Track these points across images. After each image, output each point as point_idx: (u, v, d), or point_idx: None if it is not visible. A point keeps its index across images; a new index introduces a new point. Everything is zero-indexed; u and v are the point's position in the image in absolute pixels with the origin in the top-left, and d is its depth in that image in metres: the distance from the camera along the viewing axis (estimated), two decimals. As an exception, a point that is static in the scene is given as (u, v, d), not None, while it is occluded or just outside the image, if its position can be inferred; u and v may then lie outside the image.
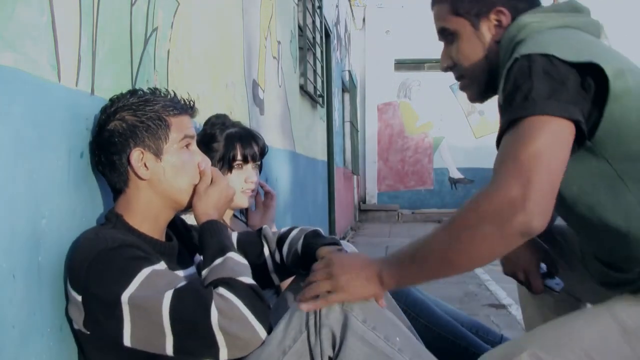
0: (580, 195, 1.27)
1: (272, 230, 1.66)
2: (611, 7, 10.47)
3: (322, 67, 6.32)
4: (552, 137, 1.13)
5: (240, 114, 2.88)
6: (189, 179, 1.40)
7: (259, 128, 3.20)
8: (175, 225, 1.52)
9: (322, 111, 6.43)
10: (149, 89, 1.44)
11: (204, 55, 2.40)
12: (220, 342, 1.20)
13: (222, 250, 1.33)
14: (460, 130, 12.52)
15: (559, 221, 1.59)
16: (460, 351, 1.99)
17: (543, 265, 1.60)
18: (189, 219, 1.63)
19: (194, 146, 1.43)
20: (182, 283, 1.24)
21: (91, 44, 1.42)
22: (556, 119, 1.14)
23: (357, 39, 12.29)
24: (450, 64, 1.47)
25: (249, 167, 1.96)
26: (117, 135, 1.34)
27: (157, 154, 1.35)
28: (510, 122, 1.19)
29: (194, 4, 2.27)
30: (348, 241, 5.11)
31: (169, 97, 1.41)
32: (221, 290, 1.23)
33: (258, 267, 1.55)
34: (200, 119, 2.10)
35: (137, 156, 1.34)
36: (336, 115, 7.88)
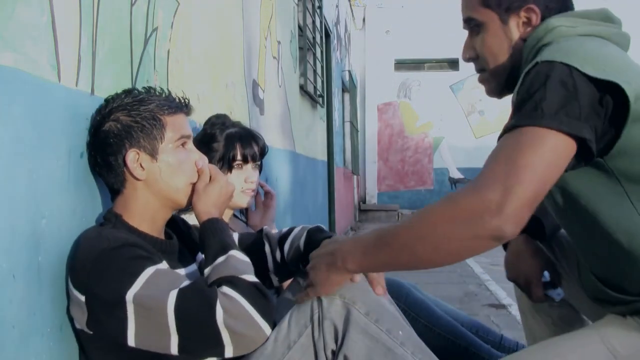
0: (587, 208, 1.25)
1: (272, 230, 1.65)
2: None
3: (322, 67, 6.32)
4: (549, 152, 1.11)
5: (240, 114, 2.88)
6: (186, 178, 1.40)
7: (259, 128, 3.20)
8: (175, 224, 1.53)
9: (322, 111, 6.43)
10: (143, 88, 1.44)
11: (204, 55, 2.40)
12: (225, 341, 1.21)
13: (224, 248, 1.33)
14: (460, 130, 12.52)
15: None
16: (460, 351, 1.99)
17: (546, 274, 1.59)
18: (190, 219, 1.63)
19: (190, 145, 1.42)
20: (187, 282, 1.24)
21: (91, 44, 1.42)
22: (559, 134, 1.11)
23: (357, 39, 12.30)
24: (472, 56, 1.43)
25: (249, 167, 1.96)
26: (112, 137, 1.34)
27: (153, 154, 1.35)
28: (517, 125, 1.17)
29: (194, 4, 2.27)
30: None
31: (163, 95, 1.41)
32: (225, 289, 1.23)
33: (258, 268, 1.55)
34: (200, 119, 2.11)
35: (133, 157, 1.34)
36: (336, 115, 7.89)
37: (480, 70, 1.44)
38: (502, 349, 2.15)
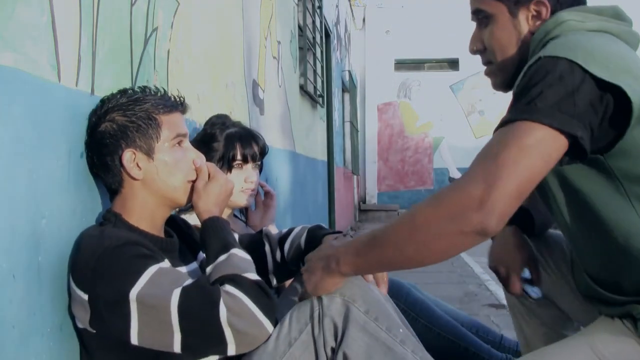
0: (585, 207, 1.24)
1: (273, 231, 1.65)
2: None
3: (322, 67, 6.33)
4: (538, 147, 1.10)
5: (240, 114, 2.88)
6: (183, 176, 1.40)
7: (259, 128, 3.20)
8: (175, 223, 1.53)
9: (322, 111, 6.43)
10: (139, 87, 1.44)
11: (204, 55, 2.40)
12: (228, 339, 1.22)
13: (226, 246, 1.34)
14: (460, 130, 12.52)
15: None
16: (460, 351, 1.99)
17: (527, 271, 1.58)
18: (191, 219, 1.63)
19: (186, 143, 1.43)
20: (190, 281, 1.25)
21: (91, 44, 1.42)
22: (550, 130, 1.10)
23: (357, 39, 12.30)
24: (480, 48, 1.41)
25: (249, 167, 1.96)
26: (108, 137, 1.34)
27: (149, 153, 1.36)
28: (508, 120, 1.16)
29: (194, 4, 2.27)
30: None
31: (159, 95, 1.41)
32: (228, 287, 1.24)
33: (257, 268, 1.55)
34: (200, 119, 2.11)
35: (129, 157, 1.34)
36: (336, 115, 7.89)
37: (486, 62, 1.42)
38: (502, 349, 2.16)
